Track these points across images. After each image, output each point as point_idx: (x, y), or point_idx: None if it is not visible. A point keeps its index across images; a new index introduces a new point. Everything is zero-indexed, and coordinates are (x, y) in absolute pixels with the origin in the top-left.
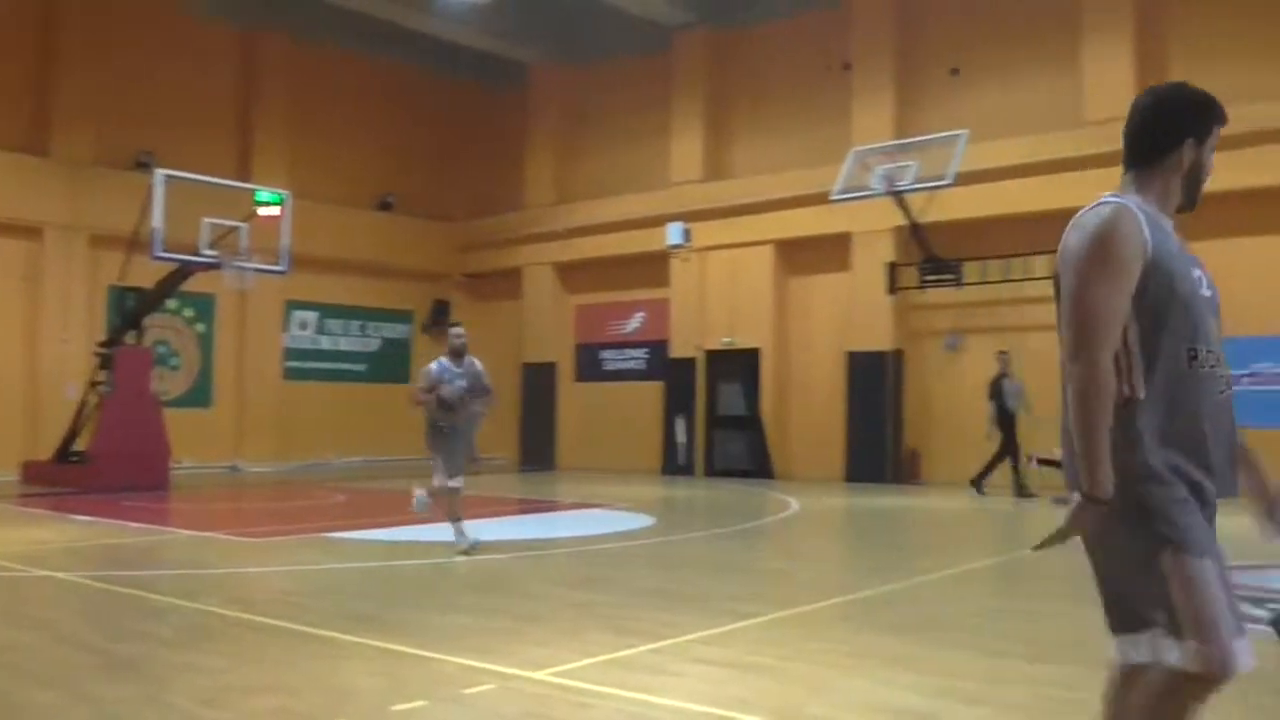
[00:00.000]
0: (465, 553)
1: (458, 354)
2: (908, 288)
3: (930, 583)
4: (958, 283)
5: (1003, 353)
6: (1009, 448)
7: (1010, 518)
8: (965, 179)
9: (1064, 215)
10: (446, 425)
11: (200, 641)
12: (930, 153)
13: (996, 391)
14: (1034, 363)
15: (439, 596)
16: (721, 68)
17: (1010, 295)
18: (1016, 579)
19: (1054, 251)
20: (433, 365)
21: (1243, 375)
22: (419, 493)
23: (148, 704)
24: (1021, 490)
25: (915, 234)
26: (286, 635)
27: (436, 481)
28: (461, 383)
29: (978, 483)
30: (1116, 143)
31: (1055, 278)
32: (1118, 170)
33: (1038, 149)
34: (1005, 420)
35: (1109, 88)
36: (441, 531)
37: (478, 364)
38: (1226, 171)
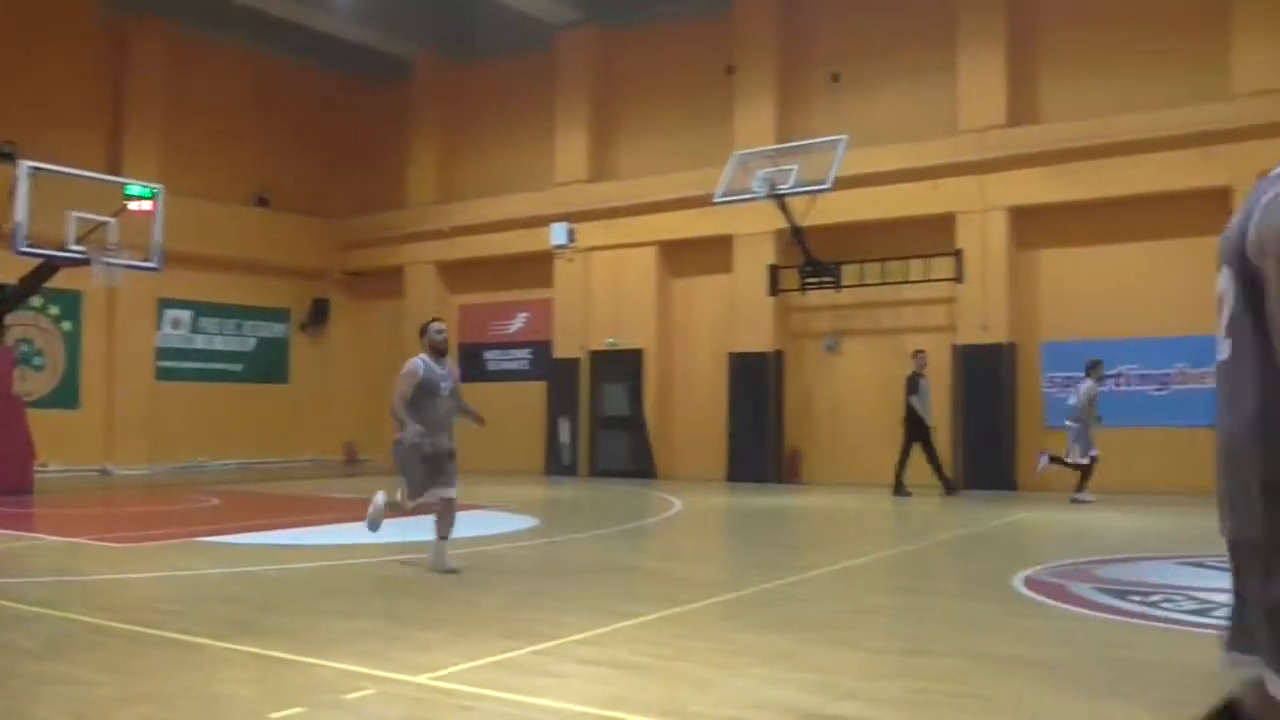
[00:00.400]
0: (452, 572)
1: (440, 352)
2: (788, 290)
3: (811, 580)
4: (837, 285)
5: (919, 352)
6: (910, 443)
7: (889, 515)
8: (844, 183)
9: (938, 220)
10: (427, 444)
11: (67, 652)
12: (811, 157)
13: (914, 388)
14: (909, 362)
15: (318, 601)
16: (607, 68)
17: (888, 298)
18: (896, 575)
19: (930, 255)
20: (415, 363)
21: (1108, 376)
22: (378, 500)
23: (10, 718)
24: (899, 488)
25: (796, 237)
26: (158, 643)
27: (399, 498)
28: (449, 385)
29: (899, 485)
30: (988, 150)
31: (1243, 264)
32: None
33: (914, 155)
34: (913, 418)
35: (982, 97)
36: (326, 535)
37: (454, 369)
38: (1106, 179)
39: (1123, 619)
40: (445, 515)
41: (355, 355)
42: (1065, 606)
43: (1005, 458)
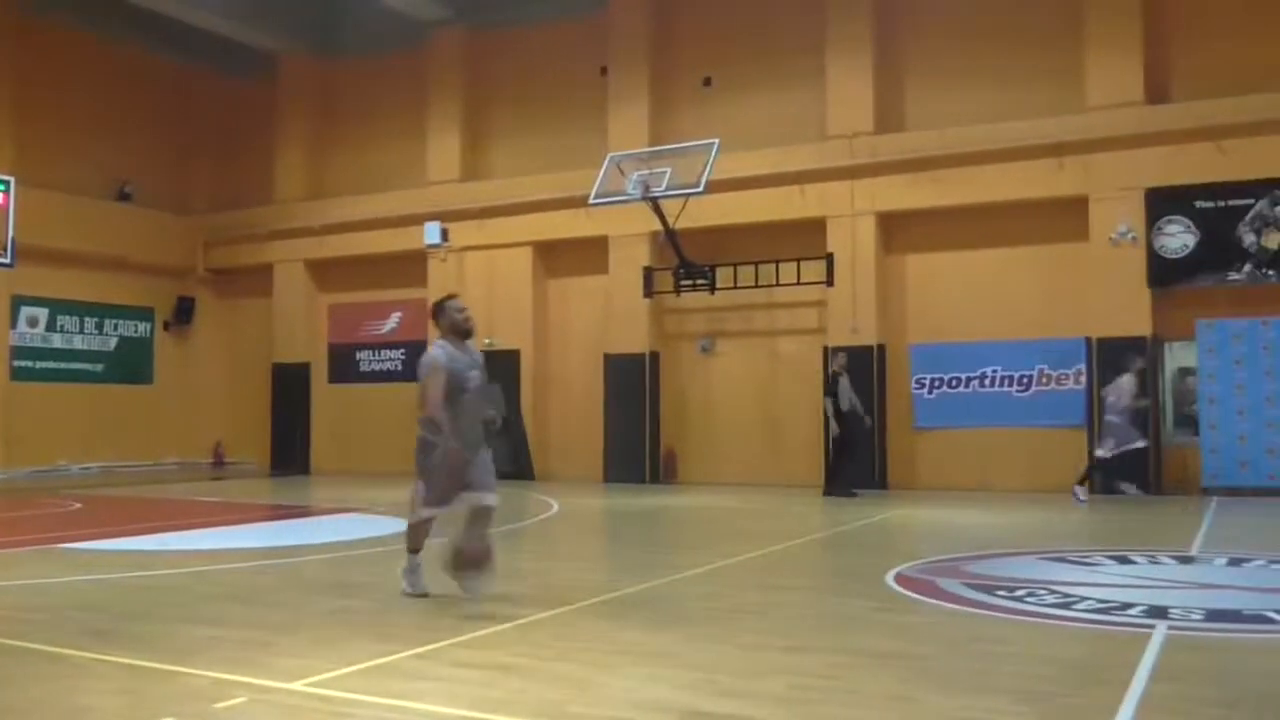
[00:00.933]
0: (418, 595)
1: (467, 334)
2: (663, 292)
3: (689, 579)
4: (710, 287)
5: (839, 351)
6: (845, 444)
7: (764, 514)
8: (717, 186)
9: (810, 225)
10: (449, 454)
11: None
12: (684, 160)
13: (833, 389)
14: (784, 366)
15: (187, 608)
16: (481, 67)
17: (760, 300)
18: (772, 573)
19: (801, 258)
20: (436, 352)
21: (973, 378)
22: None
23: None
24: (841, 487)
25: (670, 239)
26: (15, 654)
27: (426, 511)
28: (476, 374)
29: (834, 488)
30: (857, 156)
31: None
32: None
33: (785, 160)
34: (840, 418)
35: (851, 104)
36: (194, 540)
37: (480, 353)
38: (969, 187)
39: (990, 613)
40: (480, 521)
41: (222, 355)
42: (935, 602)
43: (876, 457)
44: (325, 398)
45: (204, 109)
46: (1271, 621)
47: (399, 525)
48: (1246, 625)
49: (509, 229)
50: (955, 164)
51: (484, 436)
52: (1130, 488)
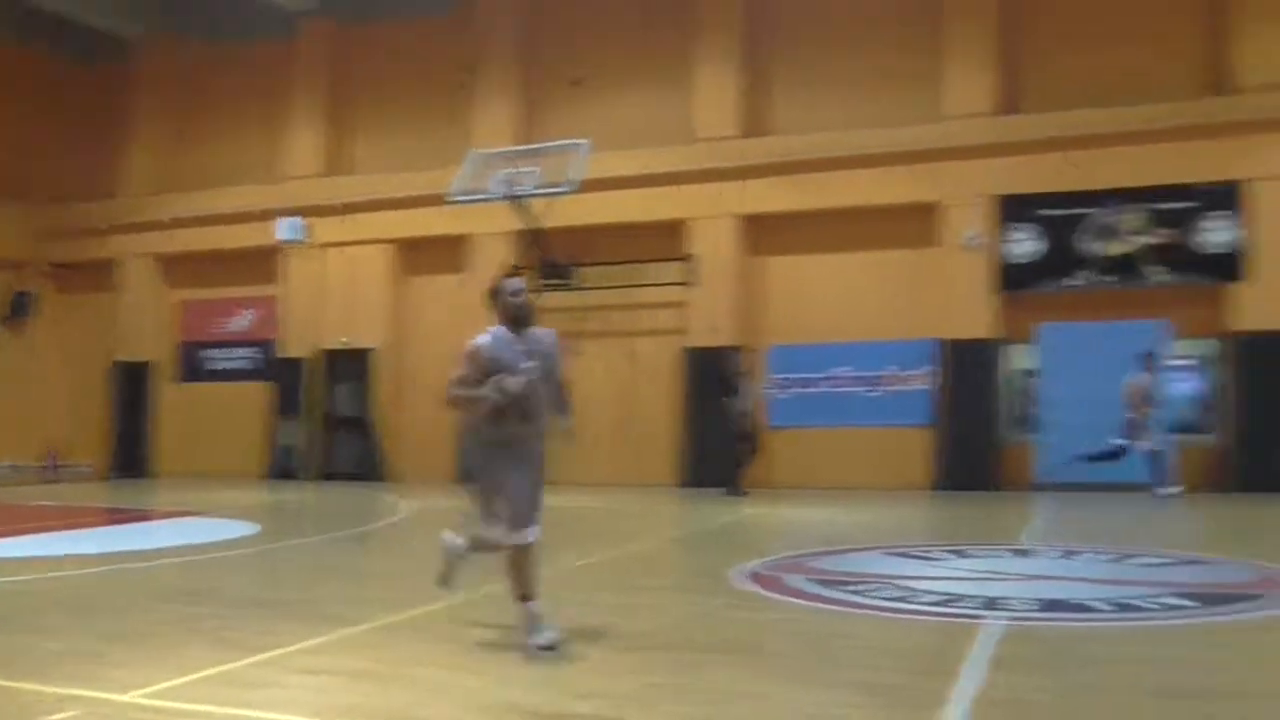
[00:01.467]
0: (548, 647)
1: (521, 320)
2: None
3: (544, 579)
4: (574, 287)
5: (739, 351)
6: (745, 443)
7: (622, 514)
8: (583, 186)
9: (671, 226)
10: (512, 441)
11: None
12: (550, 159)
13: (730, 389)
14: (644, 367)
15: (16, 619)
16: (346, 61)
17: (622, 300)
18: (627, 572)
19: (663, 259)
20: (483, 338)
21: (825, 379)
22: (451, 539)
23: None
24: (734, 487)
25: (534, 239)
26: None
27: (494, 534)
28: (531, 365)
29: (734, 487)
30: (723, 159)
31: None
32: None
33: (651, 161)
34: (743, 418)
35: (716, 108)
36: (28, 546)
37: (548, 339)
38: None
39: (835, 608)
40: (525, 563)
41: (62, 353)
42: (784, 598)
43: (727, 457)
44: (173, 397)
45: (47, 95)
46: (1099, 611)
47: (245, 529)
48: (1076, 614)
49: (370, 225)
50: (817, 169)
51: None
52: (1173, 489)
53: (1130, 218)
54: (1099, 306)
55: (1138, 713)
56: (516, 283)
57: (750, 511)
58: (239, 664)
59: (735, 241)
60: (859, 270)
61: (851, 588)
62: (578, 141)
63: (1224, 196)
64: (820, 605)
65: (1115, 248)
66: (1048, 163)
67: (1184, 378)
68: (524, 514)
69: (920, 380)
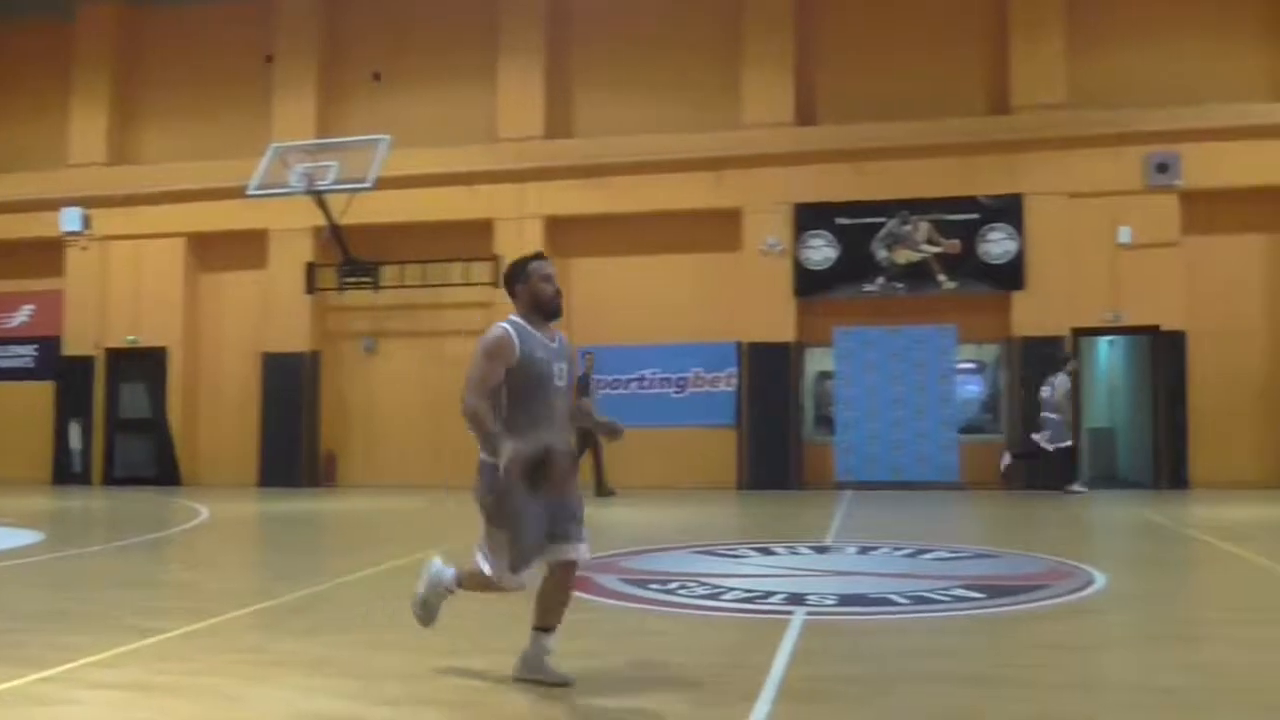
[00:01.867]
0: (562, 684)
1: (553, 310)
2: (326, 289)
3: (349, 584)
4: (375, 285)
5: (588, 353)
6: (592, 444)
7: (427, 516)
8: (386, 183)
9: (477, 225)
10: (546, 462)
11: None
12: (352, 154)
13: (584, 389)
14: (451, 367)
15: None
16: (135, 44)
17: (427, 300)
18: None
19: (469, 259)
20: (504, 329)
21: (632, 380)
22: (439, 569)
23: None
24: (601, 488)
25: (335, 235)
26: None
27: (493, 572)
28: (563, 366)
29: (602, 488)
30: (526, 159)
31: None
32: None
33: (455, 160)
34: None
35: (521, 108)
36: None
37: (566, 340)
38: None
39: (645, 607)
40: (561, 588)
41: None
42: (595, 598)
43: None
44: None
45: None
46: (896, 604)
47: (28, 537)
48: (875, 608)
49: (160, 218)
50: (621, 172)
51: (574, 460)
52: (1080, 487)
53: (919, 228)
54: (892, 312)
55: (927, 700)
56: (547, 265)
57: None
58: (23, 680)
59: (541, 243)
60: (665, 273)
61: (662, 586)
62: (379, 137)
63: (1006, 209)
64: (631, 605)
65: (906, 256)
66: (841, 173)
67: (971, 381)
68: (527, 556)
69: (725, 382)
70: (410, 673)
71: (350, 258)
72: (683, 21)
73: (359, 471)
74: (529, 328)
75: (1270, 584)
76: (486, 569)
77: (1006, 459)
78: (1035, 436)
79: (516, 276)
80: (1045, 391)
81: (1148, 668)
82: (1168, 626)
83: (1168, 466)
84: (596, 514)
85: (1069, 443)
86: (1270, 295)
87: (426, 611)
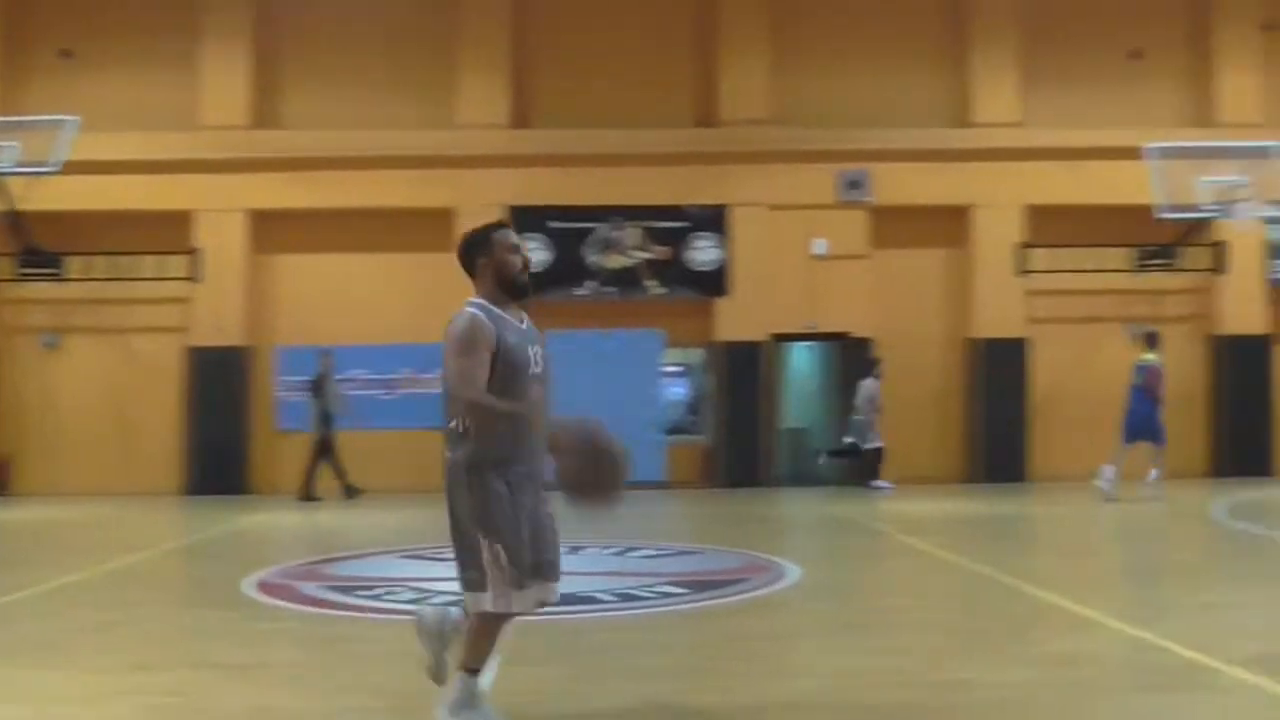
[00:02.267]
0: None
1: (522, 288)
2: (3, 280)
3: (20, 602)
4: (59, 277)
5: (327, 353)
6: (327, 449)
7: (114, 525)
8: (74, 168)
9: (175, 217)
10: (511, 461)
11: None
12: (36, 135)
13: (319, 391)
14: (142, 366)
15: None
16: None
17: (117, 294)
18: (119, 588)
19: (165, 252)
20: (475, 315)
21: (340, 380)
22: (431, 615)
23: None
24: (350, 490)
25: (13, 221)
26: None
27: (497, 603)
28: (538, 351)
29: (307, 492)
30: (228, 150)
31: None
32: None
33: (151, 147)
34: (326, 421)
35: (224, 96)
36: None
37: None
38: (343, 191)
39: (350, 614)
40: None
41: None
42: (297, 607)
43: (238, 461)
44: None
45: None
46: (604, 601)
47: None
48: (584, 606)
49: None
50: (331, 167)
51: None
52: (885, 484)
53: (630, 234)
54: (603, 315)
55: (636, 694)
56: (512, 234)
57: (257, 518)
58: None
59: (244, 237)
60: (372, 271)
61: (368, 592)
62: (65, 118)
63: (712, 219)
64: (335, 612)
65: (616, 261)
66: (553, 176)
67: (676, 383)
68: (525, 569)
69: (435, 383)
70: (91, 693)
71: (31, 246)
72: (400, 18)
73: (37, 479)
74: (496, 309)
75: (942, 572)
76: (488, 603)
77: (823, 459)
78: (847, 439)
79: (478, 248)
80: (858, 396)
81: (837, 652)
82: (855, 615)
83: (859, 464)
84: (296, 520)
85: (879, 444)
86: (946, 303)
87: (438, 667)
